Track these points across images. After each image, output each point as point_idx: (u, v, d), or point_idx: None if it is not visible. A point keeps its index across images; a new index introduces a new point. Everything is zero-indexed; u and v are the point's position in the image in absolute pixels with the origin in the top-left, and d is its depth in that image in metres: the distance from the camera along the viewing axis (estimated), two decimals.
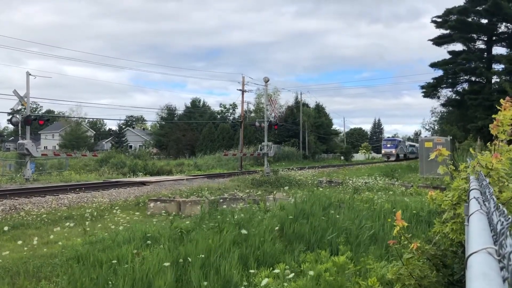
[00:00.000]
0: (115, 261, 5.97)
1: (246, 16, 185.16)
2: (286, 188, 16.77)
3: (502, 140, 3.46)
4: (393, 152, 67.00)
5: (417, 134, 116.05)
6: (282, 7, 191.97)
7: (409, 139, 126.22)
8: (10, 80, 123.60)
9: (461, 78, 42.34)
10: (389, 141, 72.78)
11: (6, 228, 9.53)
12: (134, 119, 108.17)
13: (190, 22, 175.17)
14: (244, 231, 6.97)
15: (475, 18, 40.08)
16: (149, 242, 7.03)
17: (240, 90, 40.33)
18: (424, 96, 44.06)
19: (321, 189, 13.83)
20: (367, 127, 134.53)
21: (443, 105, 45.59)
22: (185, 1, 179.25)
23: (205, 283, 5.19)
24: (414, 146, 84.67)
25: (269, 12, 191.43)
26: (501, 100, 3.45)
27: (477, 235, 1.42)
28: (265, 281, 4.51)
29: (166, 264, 5.47)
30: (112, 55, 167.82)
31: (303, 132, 62.13)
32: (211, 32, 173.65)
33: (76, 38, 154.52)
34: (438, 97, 44.06)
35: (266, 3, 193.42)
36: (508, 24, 39.32)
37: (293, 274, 4.89)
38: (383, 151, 69.53)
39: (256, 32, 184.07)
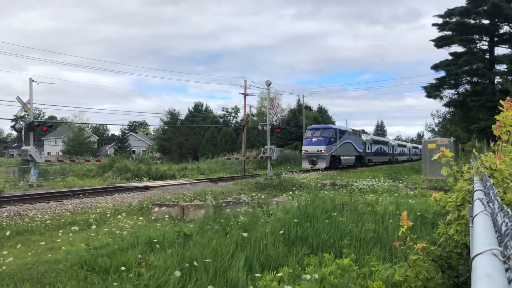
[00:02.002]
0: (120, 267, 5.97)
1: (245, 19, 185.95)
2: (291, 192, 16.75)
3: (505, 141, 3.46)
4: (322, 151, 36.33)
5: (420, 136, 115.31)
6: (281, 9, 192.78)
7: (412, 140, 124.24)
8: (11, 86, 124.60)
9: (464, 79, 42.26)
10: (317, 130, 38.72)
11: (8, 233, 9.56)
12: (136, 124, 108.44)
13: (189, 26, 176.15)
14: (247, 235, 6.96)
15: (476, 19, 40.05)
16: (153, 246, 7.04)
17: (242, 93, 40.40)
18: (427, 96, 43.94)
19: (325, 192, 13.81)
20: (370, 129, 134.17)
21: (445, 105, 45.50)
22: (183, 5, 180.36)
23: (211, 287, 5.18)
24: (385, 143, 60.41)
25: (268, 15, 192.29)
26: (501, 101, 3.45)
27: (482, 236, 1.41)
28: None
29: (173, 269, 5.46)
30: (112, 60, 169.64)
31: None
32: (210, 35, 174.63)
33: (75, 44, 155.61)
34: (441, 98, 43.97)
35: (265, 6, 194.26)
36: (510, 24, 39.27)
37: (316, 274, 4.90)
38: (303, 150, 37.83)
39: (256, 35, 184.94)
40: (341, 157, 39.81)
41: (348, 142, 41.65)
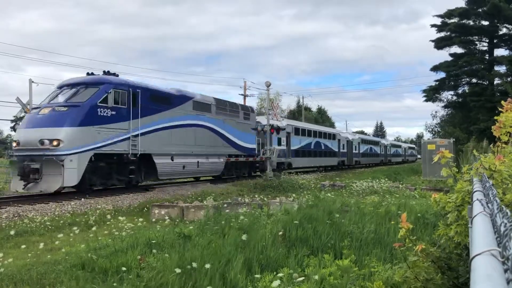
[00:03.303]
0: (120, 268, 5.97)
1: (244, 20, 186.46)
2: (291, 194, 16.75)
3: (504, 142, 3.46)
4: (54, 143, 14.06)
5: (419, 137, 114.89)
6: (281, 10, 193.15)
7: (411, 141, 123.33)
8: (10, 87, 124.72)
9: (463, 80, 42.26)
10: (66, 90, 15.36)
11: (12, 232, 9.57)
12: None
13: (188, 27, 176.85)
14: (247, 236, 6.96)
15: (476, 20, 40.08)
16: (153, 248, 7.03)
17: (241, 94, 40.45)
18: (426, 100, 43.78)
19: (328, 194, 13.80)
20: (369, 130, 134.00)
21: (445, 106, 45.44)
22: (182, 5, 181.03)
23: None
24: (330, 136, 38.53)
25: (267, 15, 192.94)
26: (502, 102, 3.45)
27: (481, 237, 1.41)
28: (276, 282, 4.55)
29: (173, 270, 5.46)
30: (111, 60, 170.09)
31: None
32: (209, 36, 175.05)
33: (74, 44, 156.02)
34: (440, 100, 43.92)
35: (264, 7, 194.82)
36: (509, 26, 39.29)
37: (317, 276, 4.91)
38: (14, 142, 16.14)
39: (255, 36, 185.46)
40: (156, 159, 18.18)
41: (195, 125, 19.77)
